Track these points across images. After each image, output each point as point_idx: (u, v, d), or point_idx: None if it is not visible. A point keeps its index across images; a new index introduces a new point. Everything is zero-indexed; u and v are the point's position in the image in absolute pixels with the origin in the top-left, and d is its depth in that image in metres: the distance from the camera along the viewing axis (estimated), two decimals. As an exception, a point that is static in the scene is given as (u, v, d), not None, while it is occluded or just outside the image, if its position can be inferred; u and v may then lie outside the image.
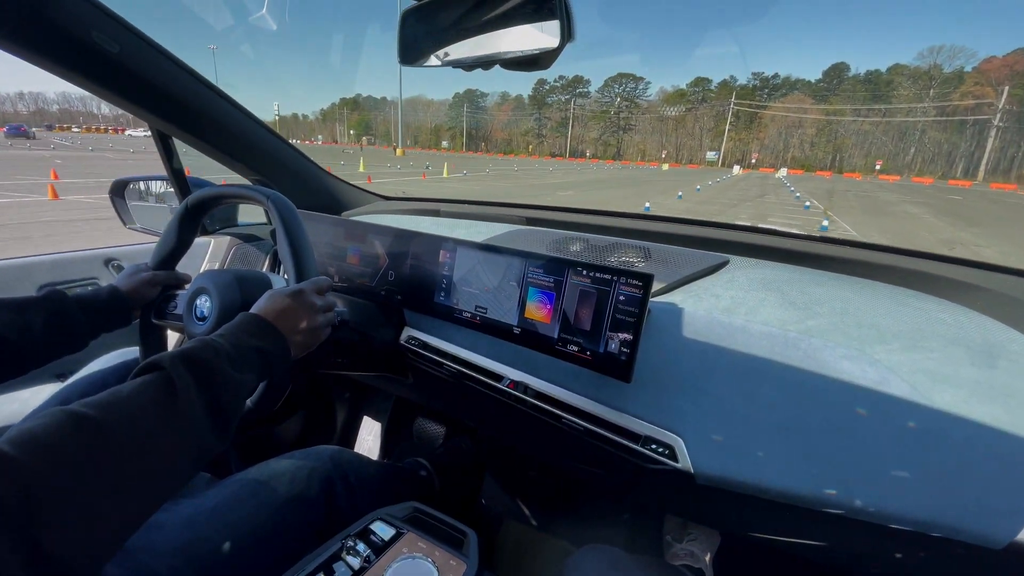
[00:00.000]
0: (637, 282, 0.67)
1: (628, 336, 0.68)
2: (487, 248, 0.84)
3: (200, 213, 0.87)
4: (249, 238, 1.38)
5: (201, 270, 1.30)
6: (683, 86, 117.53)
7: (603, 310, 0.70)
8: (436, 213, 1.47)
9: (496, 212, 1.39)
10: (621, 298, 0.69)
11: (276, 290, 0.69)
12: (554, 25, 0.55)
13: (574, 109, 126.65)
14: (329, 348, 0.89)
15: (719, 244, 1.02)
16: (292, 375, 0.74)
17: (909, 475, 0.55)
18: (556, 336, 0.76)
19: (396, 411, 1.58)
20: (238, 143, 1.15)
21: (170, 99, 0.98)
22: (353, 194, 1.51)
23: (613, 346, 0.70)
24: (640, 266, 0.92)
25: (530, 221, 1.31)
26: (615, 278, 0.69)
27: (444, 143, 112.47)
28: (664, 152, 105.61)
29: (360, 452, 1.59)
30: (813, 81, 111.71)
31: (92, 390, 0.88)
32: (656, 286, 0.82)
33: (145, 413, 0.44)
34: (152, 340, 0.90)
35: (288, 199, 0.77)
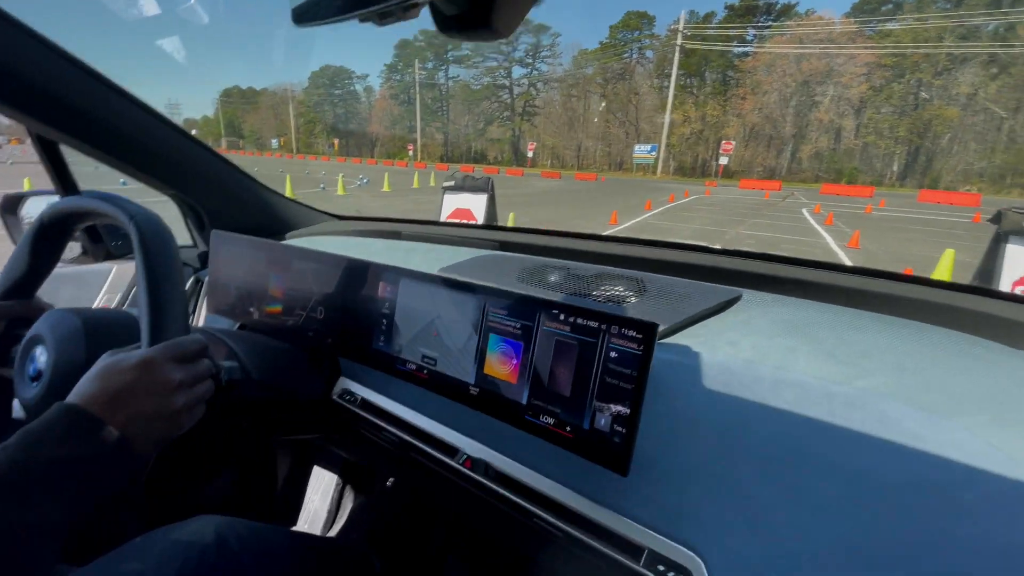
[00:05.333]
0: (635, 333, 0.48)
1: (624, 410, 0.48)
2: (437, 281, 0.65)
3: (60, 231, 0.67)
4: None
5: (97, 303, 1.07)
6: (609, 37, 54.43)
7: (588, 370, 0.51)
8: (397, 235, 1.28)
9: (467, 235, 1.21)
10: (613, 355, 0.49)
11: (114, 360, 0.48)
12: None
13: (448, 85, 69.21)
14: (225, 412, 0.68)
15: (727, 275, 0.84)
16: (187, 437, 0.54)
17: None
18: (525, 401, 0.56)
19: (350, 465, 1.35)
20: (145, 151, 0.94)
21: (41, 94, 0.77)
22: (299, 213, 1.31)
23: (603, 422, 0.50)
24: (633, 301, 0.73)
25: (504, 246, 1.13)
26: (603, 327, 0.50)
27: (274, 142, 76.41)
28: (532, 145, 53.85)
29: (304, 516, 1.35)
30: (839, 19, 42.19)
31: None
32: None
33: None
34: None
35: (160, 219, 0.57)
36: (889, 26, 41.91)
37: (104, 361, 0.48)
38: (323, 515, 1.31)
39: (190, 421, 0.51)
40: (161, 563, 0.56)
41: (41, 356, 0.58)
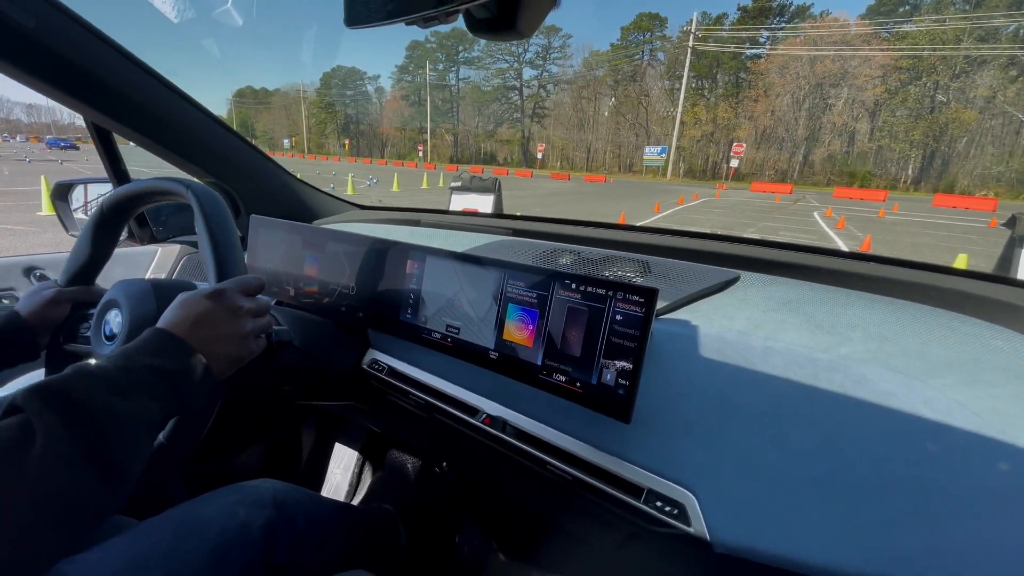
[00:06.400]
0: (638, 298, 0.55)
1: (627, 365, 0.55)
2: (460, 257, 0.72)
3: (119, 217, 0.75)
4: None
5: None
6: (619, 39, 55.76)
7: (596, 332, 0.58)
8: (416, 223, 1.35)
9: (481, 223, 1.28)
10: (618, 318, 0.56)
11: (190, 293, 0.56)
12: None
13: (458, 85, 69.80)
14: (272, 374, 0.75)
15: (728, 259, 0.90)
16: (237, 398, 0.61)
17: (1003, 553, 0.42)
18: (539, 363, 0.63)
19: (370, 440, 1.43)
20: (189, 141, 1.03)
21: (101, 85, 0.86)
22: (325, 202, 1.39)
23: (608, 377, 0.57)
24: (639, 281, 0.80)
25: (517, 233, 1.20)
26: (610, 293, 0.57)
27: (286, 142, 77.28)
28: (542, 147, 54.96)
29: (327, 487, 1.43)
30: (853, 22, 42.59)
31: None
32: (657, 305, 0.70)
33: None
34: (60, 370, 0.76)
35: (213, 191, 0.65)
36: (905, 28, 40.91)
37: (182, 296, 0.56)
38: (344, 487, 1.38)
39: (257, 348, 0.59)
40: (229, 514, 0.63)
41: (116, 318, 0.66)
